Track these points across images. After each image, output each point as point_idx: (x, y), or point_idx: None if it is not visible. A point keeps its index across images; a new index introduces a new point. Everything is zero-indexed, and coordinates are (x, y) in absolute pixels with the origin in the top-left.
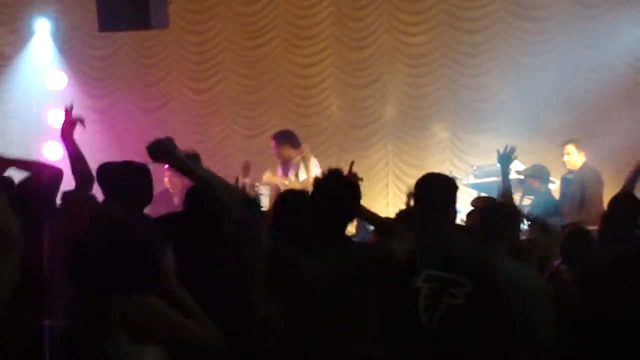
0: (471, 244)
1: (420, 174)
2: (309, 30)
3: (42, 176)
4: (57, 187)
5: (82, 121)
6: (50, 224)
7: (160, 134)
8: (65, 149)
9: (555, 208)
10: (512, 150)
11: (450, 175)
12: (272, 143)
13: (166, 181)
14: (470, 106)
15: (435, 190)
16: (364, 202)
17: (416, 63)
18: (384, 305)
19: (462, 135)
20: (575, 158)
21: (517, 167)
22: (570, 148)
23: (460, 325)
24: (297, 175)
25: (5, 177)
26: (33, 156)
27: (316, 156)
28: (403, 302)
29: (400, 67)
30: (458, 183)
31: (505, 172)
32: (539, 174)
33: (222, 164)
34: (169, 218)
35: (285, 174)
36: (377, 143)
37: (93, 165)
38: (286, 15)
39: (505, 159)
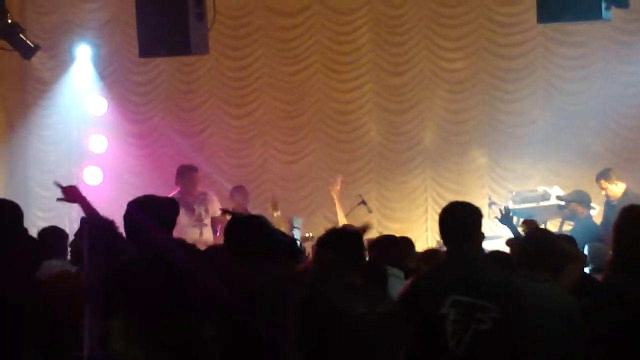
0: (497, 268)
1: (459, 199)
2: (348, 56)
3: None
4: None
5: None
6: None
7: (199, 159)
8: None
9: (596, 234)
10: (508, 210)
11: (489, 201)
12: None
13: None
14: (508, 132)
15: (457, 218)
16: (403, 227)
17: (455, 89)
18: (412, 331)
19: (501, 161)
20: (613, 188)
21: (557, 193)
22: (603, 183)
23: (489, 350)
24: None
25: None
26: (73, 181)
27: (354, 182)
28: (430, 328)
29: (439, 92)
30: (496, 209)
31: (513, 229)
32: (581, 200)
33: (260, 189)
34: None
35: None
36: (415, 168)
37: (129, 189)
38: (325, 41)
39: (507, 219)
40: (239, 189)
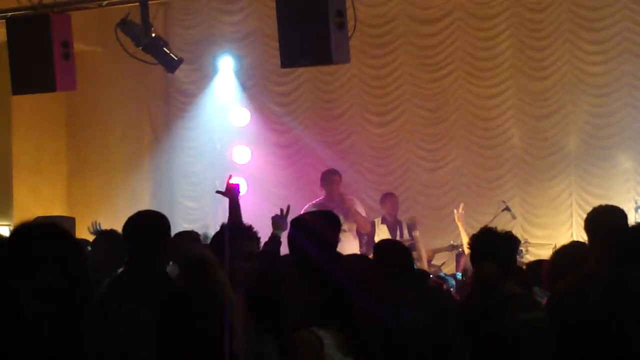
0: None
1: (604, 204)
2: (489, 62)
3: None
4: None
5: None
6: None
7: (342, 167)
8: (229, 206)
9: None
10: None
11: (635, 205)
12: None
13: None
14: None
15: (613, 223)
16: (546, 232)
17: (598, 92)
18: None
19: None
20: None
21: None
22: None
23: None
24: None
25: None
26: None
27: (498, 188)
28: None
29: (582, 96)
30: None
31: None
32: None
33: (403, 197)
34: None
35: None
36: (560, 174)
37: (273, 199)
38: (466, 47)
39: None
40: (389, 197)
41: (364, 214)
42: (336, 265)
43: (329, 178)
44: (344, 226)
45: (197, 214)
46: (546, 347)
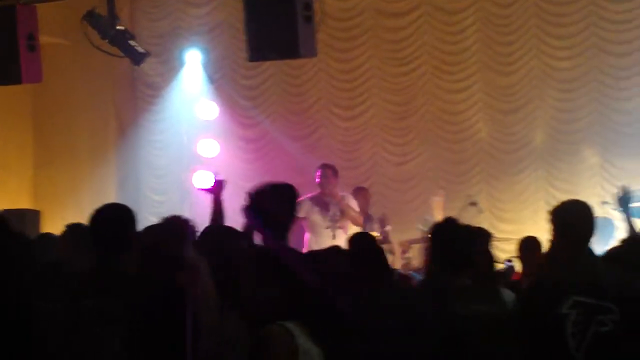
0: (619, 270)
1: (570, 198)
2: (456, 56)
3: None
4: None
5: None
6: None
7: (309, 161)
8: (212, 204)
9: None
10: (628, 193)
11: (601, 200)
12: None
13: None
14: (620, 130)
15: (581, 218)
16: (513, 227)
17: (565, 87)
18: (531, 332)
19: (613, 160)
20: None
21: None
22: None
23: (609, 352)
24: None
25: None
26: (184, 185)
27: (465, 182)
28: (550, 328)
29: (550, 91)
30: (610, 208)
31: (628, 219)
32: None
33: (370, 191)
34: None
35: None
36: (526, 168)
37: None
38: (434, 42)
39: (625, 203)
40: (361, 191)
41: (357, 208)
42: (295, 255)
43: (325, 173)
44: (339, 223)
45: (164, 207)
46: (502, 341)
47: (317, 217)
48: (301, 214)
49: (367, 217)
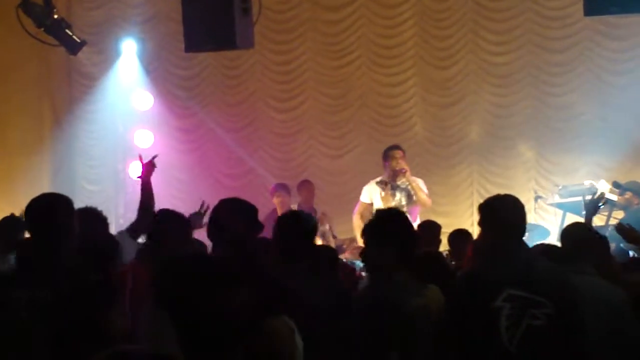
0: (551, 263)
1: (505, 192)
2: (393, 50)
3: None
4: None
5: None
6: None
7: (244, 153)
8: (141, 188)
9: None
10: (601, 197)
11: (535, 195)
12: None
13: (275, 202)
14: (555, 125)
15: (513, 211)
16: (448, 221)
17: (501, 82)
18: (465, 324)
19: (548, 155)
20: None
21: (603, 186)
22: None
23: (541, 346)
24: None
25: None
26: (119, 175)
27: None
28: (484, 321)
29: (485, 86)
30: (543, 202)
31: (589, 215)
32: (637, 190)
33: None
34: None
35: None
36: (461, 162)
37: (176, 183)
38: (370, 35)
39: (593, 205)
40: (306, 184)
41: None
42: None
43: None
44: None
45: (99, 198)
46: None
47: None
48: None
49: (312, 211)
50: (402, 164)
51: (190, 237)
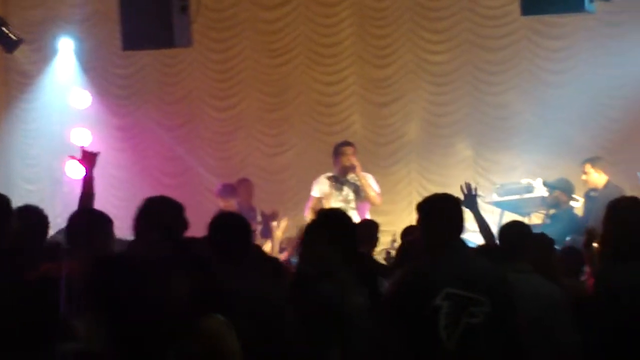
0: (488, 262)
1: (443, 191)
2: (331, 49)
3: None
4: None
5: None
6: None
7: (182, 152)
8: (82, 185)
9: (577, 225)
10: (471, 189)
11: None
12: None
13: (222, 206)
14: (493, 124)
15: (449, 210)
16: (387, 219)
17: (439, 81)
18: (405, 324)
19: (486, 153)
20: (595, 177)
21: (541, 185)
22: (588, 167)
23: (479, 344)
24: None
25: None
26: (57, 174)
27: None
28: (423, 320)
29: (423, 85)
30: (482, 201)
31: (477, 215)
32: (565, 188)
33: None
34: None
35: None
36: (400, 161)
37: (114, 181)
38: (308, 34)
39: (472, 202)
40: (243, 183)
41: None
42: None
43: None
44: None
45: (36, 197)
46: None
47: None
48: None
49: (250, 209)
50: (353, 160)
51: (113, 236)
